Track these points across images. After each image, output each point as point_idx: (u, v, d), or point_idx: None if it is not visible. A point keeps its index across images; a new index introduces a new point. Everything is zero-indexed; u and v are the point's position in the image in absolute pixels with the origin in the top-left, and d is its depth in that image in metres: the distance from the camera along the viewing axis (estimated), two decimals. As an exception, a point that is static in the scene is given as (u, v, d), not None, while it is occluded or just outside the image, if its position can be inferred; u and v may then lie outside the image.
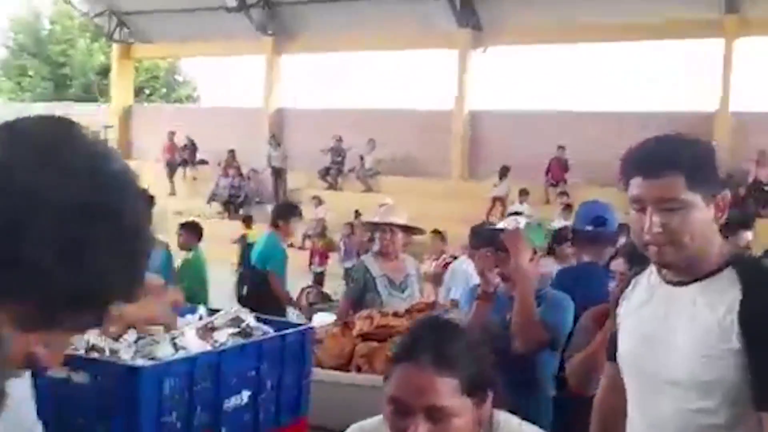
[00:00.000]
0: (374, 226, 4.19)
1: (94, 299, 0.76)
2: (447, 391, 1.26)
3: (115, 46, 20.29)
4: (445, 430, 1.26)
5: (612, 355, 1.78)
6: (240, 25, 17.04)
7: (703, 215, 1.51)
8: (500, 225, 2.81)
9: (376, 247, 4.10)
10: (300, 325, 2.17)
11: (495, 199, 13.18)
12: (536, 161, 13.90)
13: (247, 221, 11.42)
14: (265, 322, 2.14)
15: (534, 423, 2.61)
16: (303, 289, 5.74)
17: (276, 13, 17.23)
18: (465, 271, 4.67)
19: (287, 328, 2.11)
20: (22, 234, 0.70)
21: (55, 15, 28.95)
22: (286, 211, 5.35)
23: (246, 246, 10.88)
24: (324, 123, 16.57)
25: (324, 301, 5.66)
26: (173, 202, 16.56)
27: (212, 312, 2.12)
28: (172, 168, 17.55)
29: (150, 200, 3.97)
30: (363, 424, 1.50)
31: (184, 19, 17.84)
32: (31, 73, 28.50)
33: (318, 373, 2.63)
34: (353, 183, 15.54)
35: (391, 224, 3.92)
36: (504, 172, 13.62)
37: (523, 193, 12.54)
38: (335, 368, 2.74)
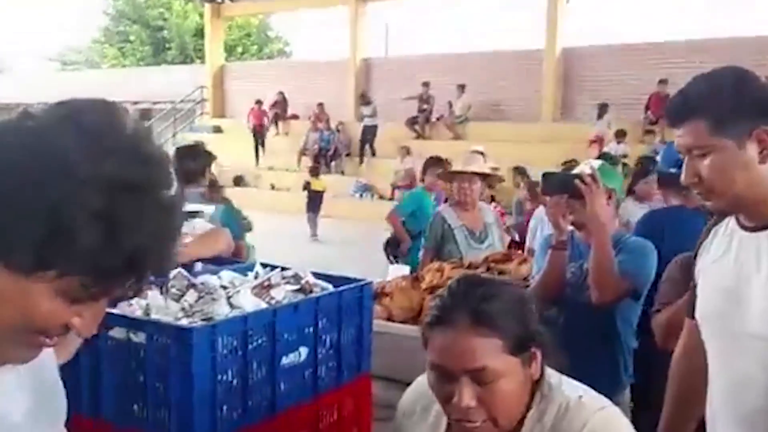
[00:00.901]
0: (453, 176, 4.09)
1: (132, 272, 0.81)
2: (489, 351, 1.20)
3: (207, 6, 20.71)
4: (493, 392, 1.20)
5: (692, 312, 1.66)
6: (326, -25, 16.98)
7: (736, 158, 1.38)
8: (575, 170, 2.66)
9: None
10: (359, 281, 2.13)
11: (591, 142, 12.60)
12: (635, 98, 13.16)
13: (314, 171, 12.65)
14: (326, 278, 2.12)
15: (614, 376, 2.53)
16: (386, 241, 5.79)
17: (361, -39, 17.02)
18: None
19: (346, 284, 2.08)
20: (68, 210, 0.75)
21: (151, -19, 29.91)
22: (427, 164, 5.59)
23: (312, 194, 11.96)
24: (411, 71, 16.35)
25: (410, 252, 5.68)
26: (266, 157, 16.89)
27: (272, 269, 2.12)
28: (259, 135, 17.23)
29: (209, 156, 4.05)
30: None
31: (271, -26, 17.97)
32: (131, 38, 29.70)
33: (387, 327, 2.63)
34: (442, 131, 15.32)
35: (464, 172, 3.82)
36: (603, 109, 12.97)
37: (620, 134, 11.90)
38: (405, 321, 2.72)
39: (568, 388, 1.31)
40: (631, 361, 2.59)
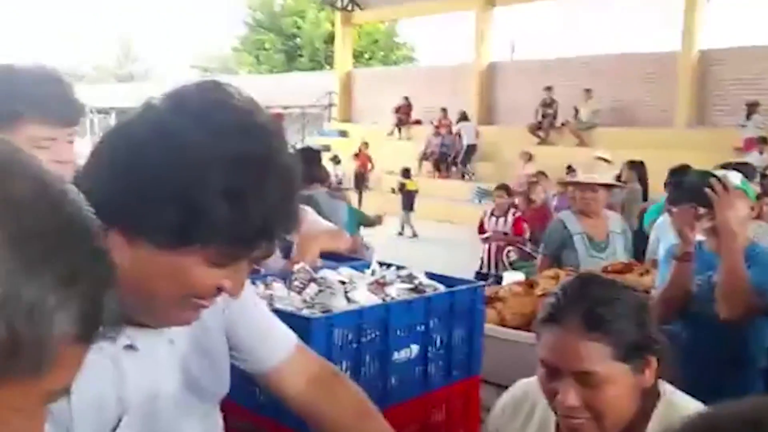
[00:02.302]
0: (574, 185, 4.01)
1: (262, 235, 0.89)
2: (597, 356, 1.20)
3: (337, 14, 21.39)
4: (598, 396, 1.20)
5: None
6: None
7: None
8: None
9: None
10: (471, 282, 2.17)
11: (737, 148, 11.66)
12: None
13: (406, 173, 13.32)
14: (438, 279, 2.17)
15: (741, 397, 2.39)
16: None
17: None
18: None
19: (459, 285, 2.12)
20: (198, 191, 0.84)
21: (287, -11, 31.24)
22: None
23: (405, 193, 12.77)
24: (537, 74, 16.05)
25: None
26: (388, 161, 17.12)
27: (387, 267, 2.20)
28: (361, 180, 15.85)
29: (316, 155, 4.28)
30: (530, 380, 1.49)
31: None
32: (267, 46, 31.16)
33: (499, 331, 2.64)
34: (567, 137, 14.91)
35: (582, 183, 3.73)
36: (752, 109, 11.91)
37: (762, 141, 11.04)
38: (518, 327, 2.72)
39: (686, 403, 1.28)
40: (761, 383, 2.45)
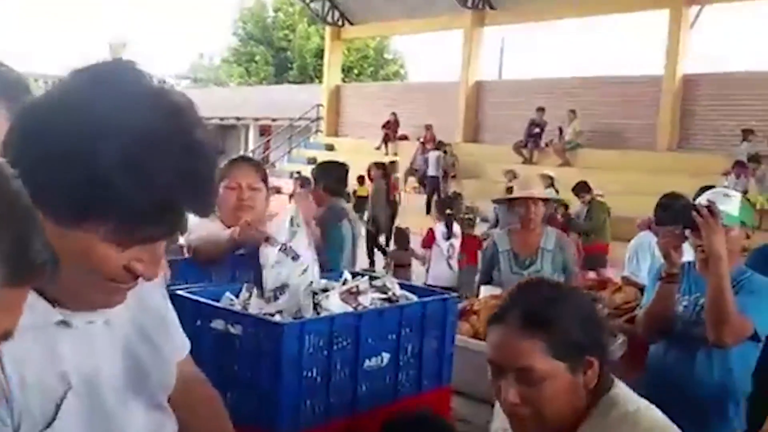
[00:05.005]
0: (509, 202, 3.98)
1: (167, 211, 0.87)
2: (533, 352, 1.25)
3: (327, 29, 21.49)
4: (537, 393, 1.25)
5: None
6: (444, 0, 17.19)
7: None
8: (699, 200, 2.57)
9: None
10: (442, 293, 2.20)
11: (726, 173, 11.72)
12: (758, 128, 12.40)
13: (360, 180, 13.29)
14: (411, 290, 2.21)
15: (724, 420, 2.44)
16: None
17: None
18: (651, 245, 4.39)
19: (430, 296, 2.16)
20: (91, 161, 0.81)
21: (278, 3, 31.43)
22: None
23: (357, 199, 12.91)
24: (522, 94, 16.24)
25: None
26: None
27: (357, 276, 2.23)
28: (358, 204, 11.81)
29: (344, 169, 4.30)
30: None
31: (389, -1, 18.37)
32: (257, 58, 31.26)
33: (471, 343, 2.67)
34: (551, 157, 15.05)
35: (523, 198, 3.69)
36: (747, 134, 12.10)
37: (738, 165, 11.19)
38: (491, 339, 2.75)
39: (629, 403, 1.31)
40: (743, 407, 2.45)
